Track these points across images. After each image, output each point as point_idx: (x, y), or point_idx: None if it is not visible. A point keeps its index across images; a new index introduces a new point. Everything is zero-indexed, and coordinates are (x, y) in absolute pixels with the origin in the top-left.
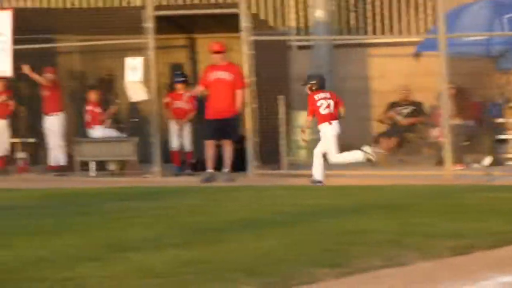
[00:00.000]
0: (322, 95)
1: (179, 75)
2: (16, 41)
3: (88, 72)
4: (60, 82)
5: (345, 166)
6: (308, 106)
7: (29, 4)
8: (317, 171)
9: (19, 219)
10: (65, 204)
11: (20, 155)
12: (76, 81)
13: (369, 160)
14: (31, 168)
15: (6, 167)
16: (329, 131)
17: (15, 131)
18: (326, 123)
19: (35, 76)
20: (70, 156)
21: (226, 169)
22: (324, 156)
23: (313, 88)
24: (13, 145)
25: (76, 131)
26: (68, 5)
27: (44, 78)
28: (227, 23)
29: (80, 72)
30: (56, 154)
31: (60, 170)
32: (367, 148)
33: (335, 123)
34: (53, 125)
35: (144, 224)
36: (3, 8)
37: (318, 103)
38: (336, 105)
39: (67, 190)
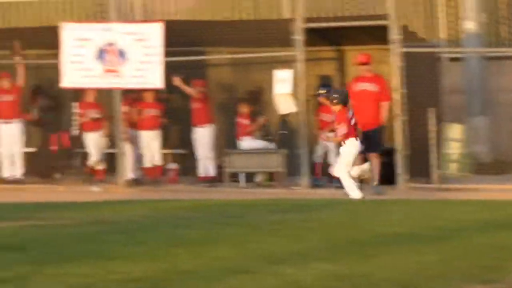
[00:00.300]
0: (350, 112)
1: (322, 88)
2: (167, 53)
3: (237, 85)
4: (210, 94)
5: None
6: (340, 117)
7: (181, 17)
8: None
9: (169, 230)
10: (215, 215)
11: (171, 166)
12: (225, 93)
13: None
14: (181, 179)
15: (157, 178)
16: (354, 146)
17: (166, 142)
18: (354, 138)
19: (186, 88)
20: (219, 168)
21: (375, 182)
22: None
23: (334, 101)
24: (164, 156)
25: (225, 143)
26: (219, 18)
27: (194, 90)
28: (377, 35)
29: (230, 85)
30: (206, 165)
31: (209, 181)
32: (366, 166)
33: (358, 139)
34: (203, 136)
35: (294, 237)
36: (154, 20)
37: (351, 120)
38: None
39: (216, 201)
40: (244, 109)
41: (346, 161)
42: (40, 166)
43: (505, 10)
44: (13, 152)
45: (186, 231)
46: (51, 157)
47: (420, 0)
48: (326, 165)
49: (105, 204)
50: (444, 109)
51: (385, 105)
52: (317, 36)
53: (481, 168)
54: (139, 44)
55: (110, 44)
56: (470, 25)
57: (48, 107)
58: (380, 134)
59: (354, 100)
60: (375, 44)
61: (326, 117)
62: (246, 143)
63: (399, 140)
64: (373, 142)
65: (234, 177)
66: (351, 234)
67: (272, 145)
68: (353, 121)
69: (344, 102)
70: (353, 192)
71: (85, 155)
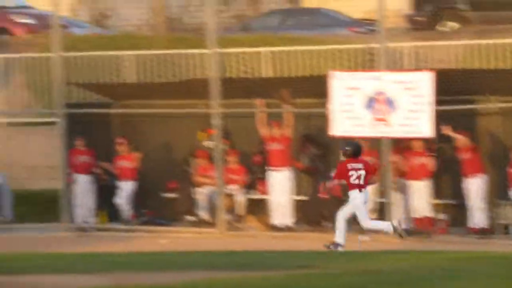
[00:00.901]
0: (354, 165)
1: None
2: (436, 102)
3: (507, 133)
4: (479, 143)
5: None
6: (336, 171)
7: (450, 65)
8: (340, 235)
9: (436, 282)
10: (484, 267)
11: (441, 216)
12: (496, 142)
13: (399, 235)
14: (452, 230)
15: (426, 228)
16: (358, 198)
17: (437, 192)
18: (356, 190)
19: (457, 137)
20: (492, 219)
21: None
22: (349, 220)
23: (346, 154)
24: (434, 206)
25: (498, 193)
26: (489, 66)
27: (463, 140)
28: None
29: (500, 133)
30: (477, 216)
31: (481, 232)
32: (397, 223)
33: (364, 191)
34: (473, 187)
35: None
36: (424, 69)
37: (350, 173)
38: (367, 174)
39: (487, 253)
40: None
41: (347, 210)
42: (310, 214)
43: None
44: (283, 200)
45: (453, 283)
46: (321, 205)
47: None
48: None
49: (374, 254)
50: None
51: None
52: None
53: None
54: (408, 93)
55: (379, 93)
56: None
57: (318, 155)
58: None
59: None
60: None
61: None
62: None
63: None
64: None
65: (506, 228)
66: None
67: None
68: (356, 174)
69: (355, 155)
70: (339, 239)
71: None
